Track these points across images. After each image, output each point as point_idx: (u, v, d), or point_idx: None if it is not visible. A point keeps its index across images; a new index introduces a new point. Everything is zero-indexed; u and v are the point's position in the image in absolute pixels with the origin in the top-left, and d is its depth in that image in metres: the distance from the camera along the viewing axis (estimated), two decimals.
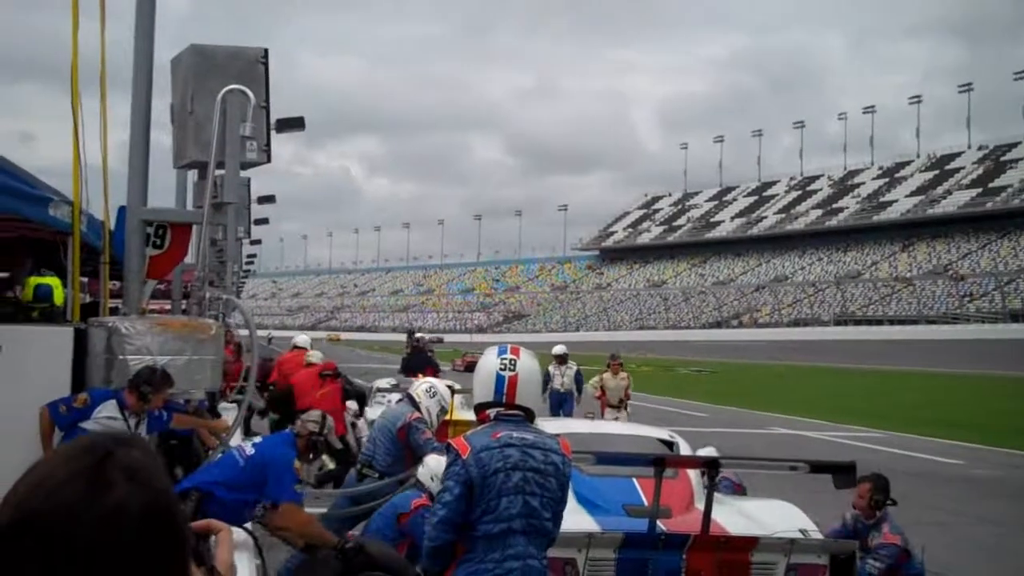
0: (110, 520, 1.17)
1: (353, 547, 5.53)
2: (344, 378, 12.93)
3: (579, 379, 17.21)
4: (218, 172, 7.64)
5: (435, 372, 16.26)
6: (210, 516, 1.83)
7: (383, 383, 14.77)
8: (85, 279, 11.37)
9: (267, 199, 24.86)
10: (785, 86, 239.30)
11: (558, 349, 17.60)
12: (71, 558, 1.15)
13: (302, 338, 15.00)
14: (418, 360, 18.10)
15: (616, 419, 14.92)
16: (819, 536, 6.48)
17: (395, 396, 11.77)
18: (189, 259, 10.85)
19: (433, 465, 6.32)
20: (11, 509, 1.18)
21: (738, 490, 8.25)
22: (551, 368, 16.94)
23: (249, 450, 5.92)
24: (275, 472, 5.63)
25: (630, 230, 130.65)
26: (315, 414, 6.32)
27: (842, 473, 6.94)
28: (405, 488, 6.63)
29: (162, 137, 9.14)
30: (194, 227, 9.08)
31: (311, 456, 6.13)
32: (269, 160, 8.23)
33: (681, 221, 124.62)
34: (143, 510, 1.19)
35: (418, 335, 21.19)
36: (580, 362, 17.56)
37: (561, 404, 16.74)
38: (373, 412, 12.02)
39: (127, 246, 7.73)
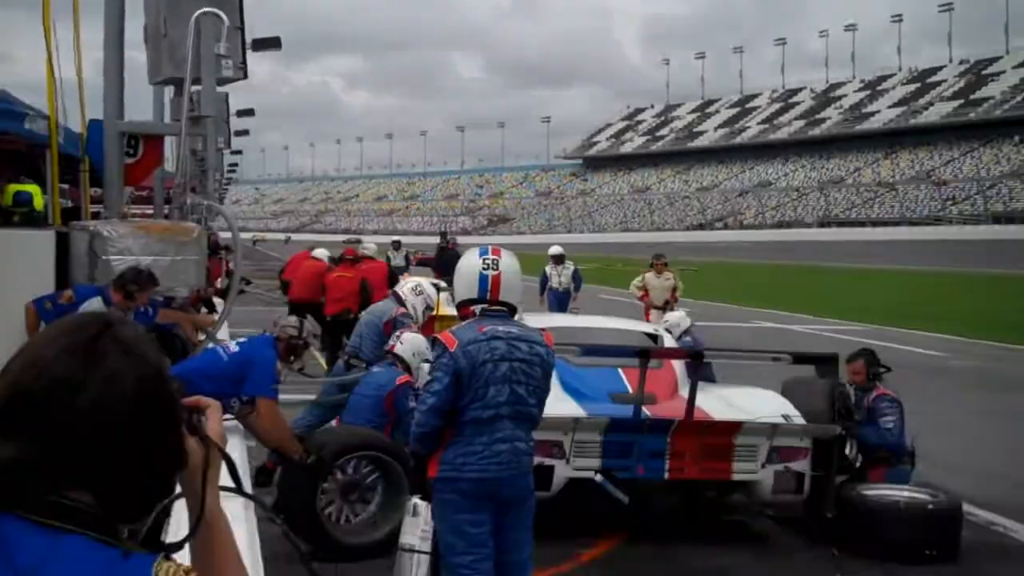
0: (105, 390, 1.18)
1: (313, 462, 5.77)
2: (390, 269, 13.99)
3: (577, 277, 17.01)
4: (195, 88, 7.60)
5: None
6: None
7: None
8: (66, 186, 11.30)
9: (246, 112, 24.79)
10: (766, 3, 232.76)
11: (554, 249, 17.29)
12: (69, 430, 1.17)
13: (320, 251, 14.83)
14: (450, 259, 18.28)
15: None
16: (802, 422, 6.57)
17: None
18: (170, 168, 10.80)
19: (411, 340, 6.61)
20: (5, 388, 1.18)
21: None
22: (548, 269, 16.88)
23: (233, 347, 6.02)
24: (257, 369, 5.76)
25: (613, 140, 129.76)
26: (292, 319, 6.48)
27: (824, 364, 7.06)
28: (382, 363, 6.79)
29: (137, 55, 9.03)
30: (175, 139, 9.04)
31: (291, 359, 6.23)
32: (246, 76, 8.26)
33: (664, 132, 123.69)
34: (137, 380, 1.21)
35: (449, 236, 22.16)
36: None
37: (560, 303, 16.48)
38: None
39: (106, 154, 7.73)
